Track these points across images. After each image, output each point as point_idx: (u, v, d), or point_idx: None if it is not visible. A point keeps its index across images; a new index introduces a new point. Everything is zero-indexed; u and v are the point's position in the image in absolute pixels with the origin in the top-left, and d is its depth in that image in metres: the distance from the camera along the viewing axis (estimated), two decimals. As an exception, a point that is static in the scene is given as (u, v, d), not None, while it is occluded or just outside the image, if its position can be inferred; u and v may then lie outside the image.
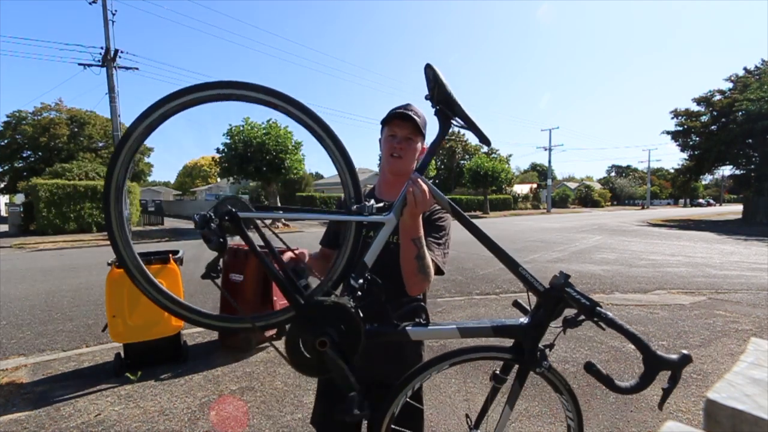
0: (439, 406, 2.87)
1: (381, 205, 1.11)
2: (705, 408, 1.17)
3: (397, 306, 1.06)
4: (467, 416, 1.22)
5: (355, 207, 1.05)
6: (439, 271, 1.34)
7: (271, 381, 3.27)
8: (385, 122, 1.43)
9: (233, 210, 0.95)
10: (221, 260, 0.96)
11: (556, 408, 2.78)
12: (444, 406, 2.88)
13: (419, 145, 1.42)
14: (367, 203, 1.05)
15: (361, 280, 1.01)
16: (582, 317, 1.00)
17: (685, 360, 0.92)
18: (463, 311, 5.23)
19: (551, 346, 1.07)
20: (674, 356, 0.94)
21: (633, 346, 0.98)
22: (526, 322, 1.07)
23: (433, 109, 1.13)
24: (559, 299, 1.04)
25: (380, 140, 1.48)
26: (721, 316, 4.90)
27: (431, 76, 1.09)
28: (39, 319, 5.07)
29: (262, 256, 1.00)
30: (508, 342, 1.11)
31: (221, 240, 0.93)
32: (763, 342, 1.51)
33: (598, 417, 2.68)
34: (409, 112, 1.38)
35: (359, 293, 1.00)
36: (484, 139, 1.13)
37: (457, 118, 1.09)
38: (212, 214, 0.94)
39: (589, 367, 0.99)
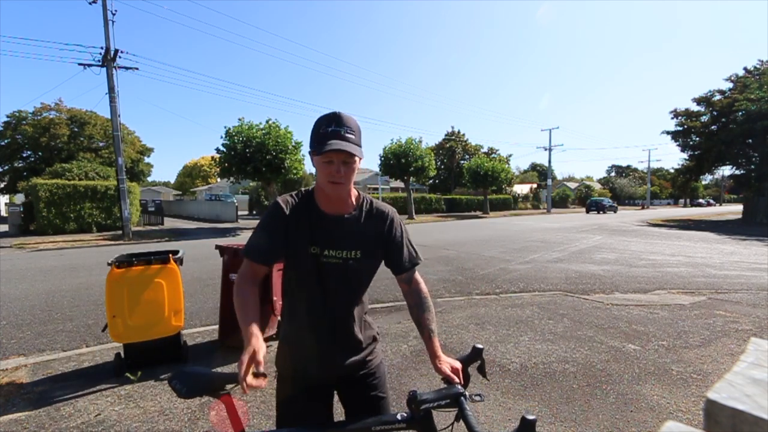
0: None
1: None
2: (705, 408, 1.16)
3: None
4: None
5: None
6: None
7: (271, 381, 3.27)
8: (316, 149, 1.22)
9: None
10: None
11: (556, 408, 2.78)
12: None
13: (358, 159, 1.25)
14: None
15: None
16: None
17: None
18: (463, 311, 5.22)
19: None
20: None
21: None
22: None
23: None
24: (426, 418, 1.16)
25: (311, 156, 1.27)
26: (721, 316, 4.90)
27: None
28: (39, 319, 5.07)
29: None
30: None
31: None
32: (763, 342, 1.51)
33: (598, 417, 2.68)
34: (344, 140, 1.19)
35: None
36: None
37: None
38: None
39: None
